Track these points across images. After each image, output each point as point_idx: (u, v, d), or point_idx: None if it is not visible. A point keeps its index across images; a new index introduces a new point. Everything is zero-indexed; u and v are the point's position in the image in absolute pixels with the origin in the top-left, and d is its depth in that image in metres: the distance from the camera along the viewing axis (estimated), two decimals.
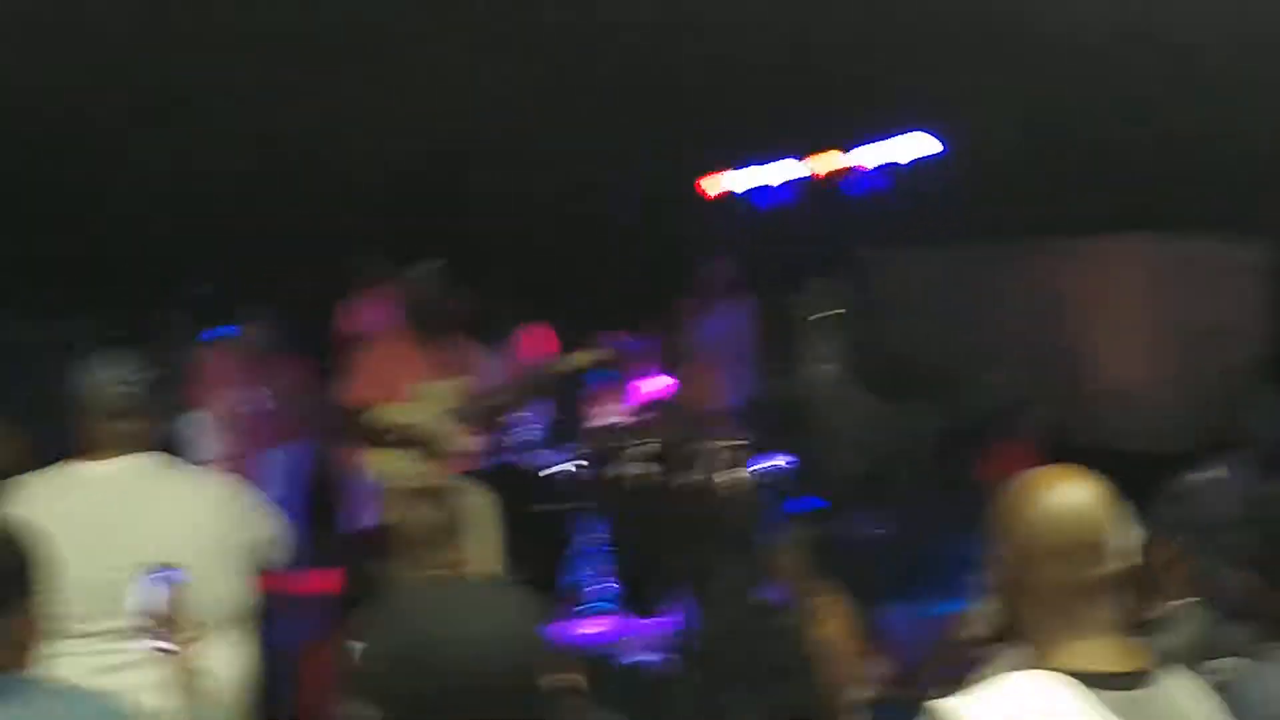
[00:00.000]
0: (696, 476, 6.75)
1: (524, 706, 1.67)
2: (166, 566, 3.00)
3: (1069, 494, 2.26)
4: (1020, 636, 2.32)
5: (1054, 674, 2.18)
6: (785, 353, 8.66)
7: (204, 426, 7.61)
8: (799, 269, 8.96)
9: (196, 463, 7.47)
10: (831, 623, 4.32)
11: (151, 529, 3.33)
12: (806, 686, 2.85)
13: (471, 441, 6.13)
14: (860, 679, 4.49)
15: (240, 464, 7.51)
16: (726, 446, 6.87)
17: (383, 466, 5.71)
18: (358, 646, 1.67)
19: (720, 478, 6.76)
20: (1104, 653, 2.21)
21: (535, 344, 9.71)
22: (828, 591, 4.51)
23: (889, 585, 6.69)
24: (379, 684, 1.60)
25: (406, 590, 1.77)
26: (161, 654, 2.94)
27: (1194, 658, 2.43)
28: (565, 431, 8.72)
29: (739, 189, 9.88)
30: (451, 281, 6.12)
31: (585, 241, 9.28)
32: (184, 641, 2.96)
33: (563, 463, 8.24)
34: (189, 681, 2.96)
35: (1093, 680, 2.17)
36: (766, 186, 9.78)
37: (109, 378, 3.48)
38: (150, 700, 2.91)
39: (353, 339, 6.93)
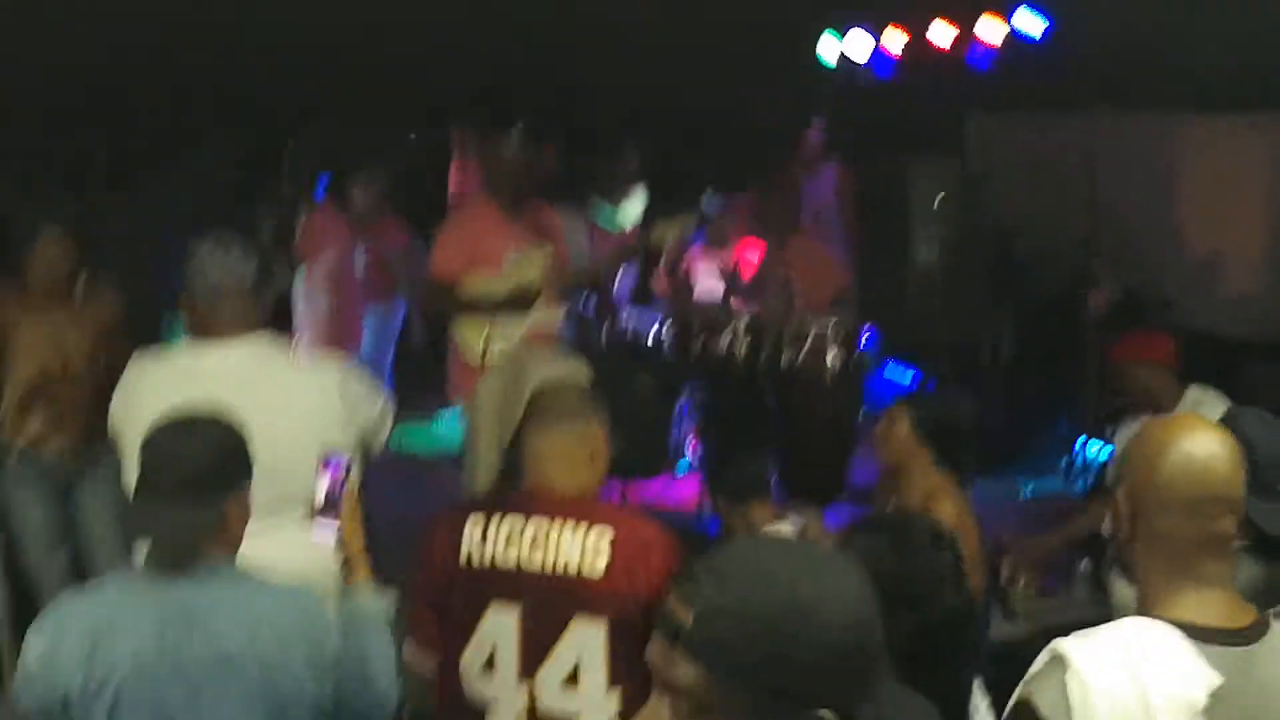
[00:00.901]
0: (792, 356, 6.63)
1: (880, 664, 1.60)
2: (335, 453, 3.11)
3: (1202, 446, 2.21)
4: (1132, 576, 2.29)
5: (1165, 624, 2.15)
6: (890, 225, 8.49)
7: (306, 282, 7.70)
8: (911, 139, 8.75)
9: (298, 318, 7.71)
10: (946, 503, 4.24)
11: (264, 416, 3.32)
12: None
13: (562, 310, 6.10)
14: (975, 563, 4.42)
15: (336, 321, 7.66)
16: (828, 325, 6.71)
17: (473, 336, 5.71)
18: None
19: (817, 358, 6.63)
20: (1216, 607, 2.18)
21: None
22: (938, 470, 4.36)
23: (980, 462, 6.65)
24: (729, 647, 1.51)
25: (741, 547, 1.65)
26: (328, 535, 3.06)
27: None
28: (654, 294, 8.72)
29: (857, 56, 9.62)
30: (538, 144, 6.00)
31: (697, 106, 9.11)
32: (346, 522, 3.08)
33: (653, 326, 8.26)
34: (350, 559, 3.08)
35: (1203, 634, 2.15)
36: (883, 54, 9.50)
37: (218, 263, 3.55)
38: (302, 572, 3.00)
39: (450, 204, 6.90)
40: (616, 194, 8.89)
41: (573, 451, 3.17)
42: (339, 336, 7.56)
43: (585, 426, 3.21)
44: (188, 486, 2.62)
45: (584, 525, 3.06)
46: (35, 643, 2.59)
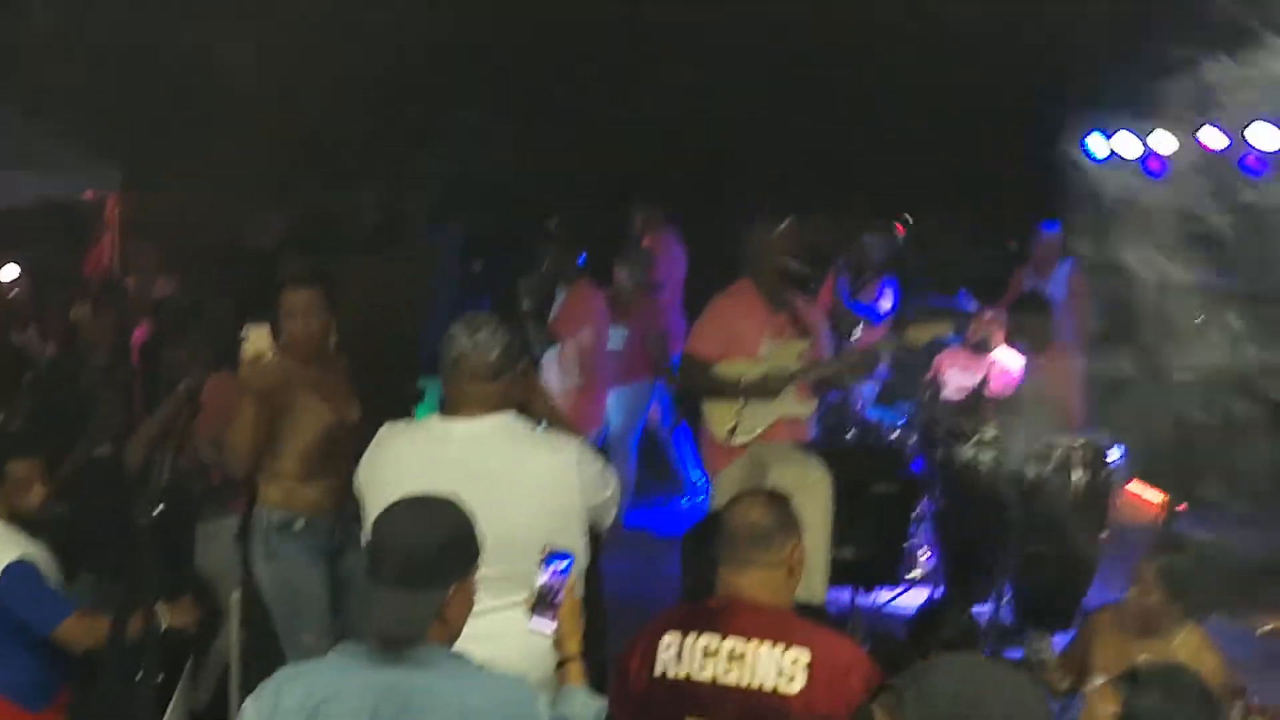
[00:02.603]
0: (1037, 472, 6.45)
1: None
2: (560, 553, 3.17)
3: None
4: None
5: None
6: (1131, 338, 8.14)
7: (560, 357, 7.90)
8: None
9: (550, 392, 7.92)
10: (1209, 657, 4.12)
11: (505, 491, 3.49)
12: None
13: (810, 406, 6.11)
14: None
15: (584, 397, 7.83)
16: (1076, 444, 6.50)
17: (722, 417, 5.76)
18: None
19: (1062, 476, 6.43)
20: None
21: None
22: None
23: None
24: None
25: (946, 666, 1.79)
26: (542, 632, 3.11)
27: None
28: (902, 393, 8.61)
29: (1127, 154, 9.30)
30: (802, 242, 6.05)
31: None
32: (564, 621, 3.12)
33: (898, 428, 8.16)
34: (565, 660, 3.12)
35: None
36: (1154, 153, 9.17)
37: (472, 343, 3.64)
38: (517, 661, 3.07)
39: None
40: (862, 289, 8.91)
41: (768, 576, 3.19)
42: (585, 413, 7.73)
43: (781, 550, 3.22)
44: (413, 574, 2.69)
45: (780, 645, 3.06)
46: (252, 712, 2.71)
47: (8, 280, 7.31)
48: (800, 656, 3.06)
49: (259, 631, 4.96)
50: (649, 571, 7.27)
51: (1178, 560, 4.21)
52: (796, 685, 3.04)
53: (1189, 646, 4.17)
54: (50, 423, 5.70)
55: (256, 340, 4.41)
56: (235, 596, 5.11)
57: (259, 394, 4.53)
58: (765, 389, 5.70)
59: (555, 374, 7.86)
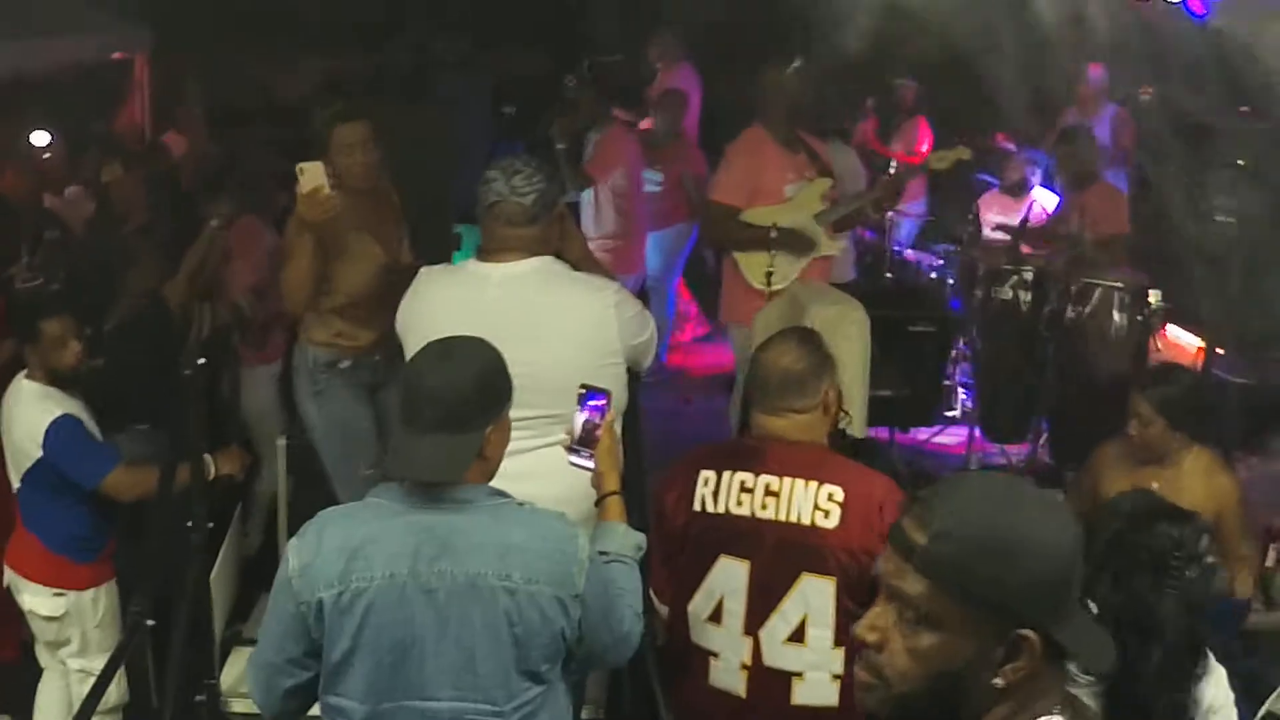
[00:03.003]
0: (1077, 313, 6.41)
1: None
2: (596, 391, 3.17)
3: None
4: None
5: None
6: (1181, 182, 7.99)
7: (594, 201, 7.86)
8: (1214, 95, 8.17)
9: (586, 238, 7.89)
10: (1223, 478, 4.22)
11: (544, 332, 3.52)
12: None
13: (841, 243, 6.07)
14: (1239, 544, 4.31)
15: (625, 242, 7.81)
16: (1112, 285, 6.44)
17: (754, 268, 5.75)
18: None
19: (1102, 317, 6.38)
20: None
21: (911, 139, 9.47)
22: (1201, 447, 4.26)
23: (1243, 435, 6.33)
24: (956, 567, 1.70)
25: (971, 479, 1.84)
26: (583, 467, 3.13)
27: None
28: (943, 234, 8.55)
29: None
30: (816, 78, 5.99)
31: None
32: (602, 458, 3.14)
33: (936, 268, 8.12)
34: (604, 497, 3.14)
35: None
36: None
37: (509, 187, 3.61)
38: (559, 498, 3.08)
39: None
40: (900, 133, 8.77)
41: (803, 419, 3.21)
42: (624, 256, 7.72)
43: (815, 394, 3.22)
44: (449, 420, 2.70)
45: (815, 483, 3.10)
46: (294, 554, 2.74)
47: (41, 145, 7.26)
48: (835, 493, 3.09)
49: (303, 475, 5.04)
50: (687, 409, 7.37)
51: (1170, 390, 4.23)
52: (832, 521, 3.08)
53: (1199, 469, 4.25)
54: (87, 281, 5.72)
55: (312, 175, 4.26)
56: (280, 442, 5.20)
57: (316, 228, 4.40)
58: (798, 241, 5.70)
59: (592, 217, 7.84)
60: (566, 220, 3.97)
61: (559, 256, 3.76)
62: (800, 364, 3.23)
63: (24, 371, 4.58)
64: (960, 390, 7.43)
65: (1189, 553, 2.81)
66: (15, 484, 4.60)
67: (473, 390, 2.73)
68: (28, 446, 4.48)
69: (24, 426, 4.48)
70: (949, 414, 7.36)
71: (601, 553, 2.92)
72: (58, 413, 4.45)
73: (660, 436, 6.33)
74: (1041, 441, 6.71)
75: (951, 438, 7.18)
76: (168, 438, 4.73)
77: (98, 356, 4.91)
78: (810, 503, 3.09)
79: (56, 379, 4.54)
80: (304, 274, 4.51)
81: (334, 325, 4.75)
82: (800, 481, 3.11)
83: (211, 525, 4.15)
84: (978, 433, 6.84)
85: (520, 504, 2.81)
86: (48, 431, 4.42)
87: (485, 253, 3.68)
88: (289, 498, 5.11)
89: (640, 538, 3.05)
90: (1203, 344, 7.09)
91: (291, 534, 2.90)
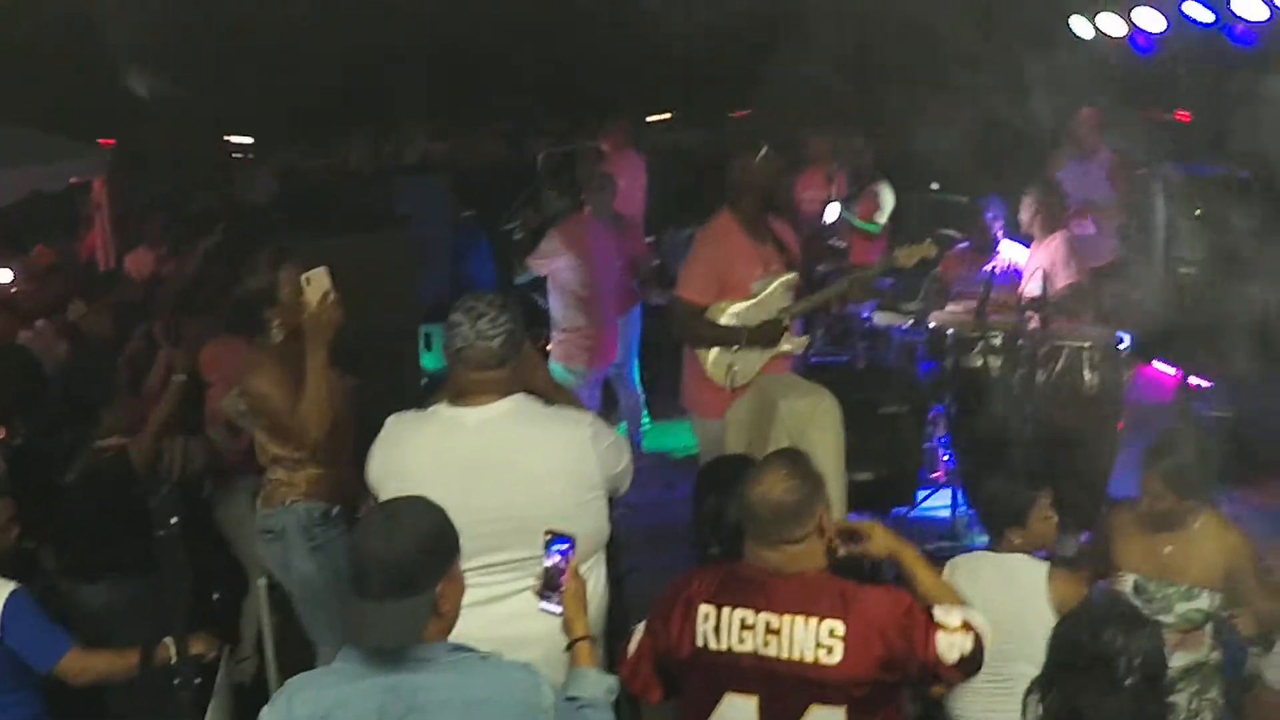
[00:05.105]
0: (1047, 375, 6.44)
1: None
2: (561, 537, 3.23)
3: None
4: None
5: None
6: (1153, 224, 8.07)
7: (551, 290, 7.84)
8: (1176, 124, 8.26)
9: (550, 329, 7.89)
10: (1232, 536, 4.26)
11: (524, 474, 3.53)
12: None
13: (804, 342, 6.09)
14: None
15: (597, 330, 7.79)
16: (1079, 345, 6.46)
17: (717, 367, 5.77)
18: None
19: (1076, 379, 6.39)
20: None
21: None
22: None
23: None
24: None
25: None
26: (549, 613, 3.20)
27: None
28: (907, 294, 8.54)
29: (1113, 32, 9.16)
30: (781, 164, 6.04)
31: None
32: (569, 603, 3.21)
33: (905, 333, 8.13)
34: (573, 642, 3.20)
35: None
36: (1142, 31, 9.03)
37: (475, 332, 3.60)
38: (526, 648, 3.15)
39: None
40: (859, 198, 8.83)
41: (798, 549, 3.24)
42: (598, 345, 7.78)
43: (808, 523, 3.25)
44: (396, 584, 2.74)
45: (815, 619, 3.14)
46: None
47: (4, 282, 7.22)
48: (835, 628, 3.13)
49: (289, 612, 4.94)
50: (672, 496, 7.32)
51: (1180, 461, 4.25)
52: (835, 656, 3.12)
53: (1209, 530, 4.29)
54: (59, 424, 5.61)
55: (318, 282, 4.20)
56: (261, 582, 5.12)
57: (329, 338, 4.36)
58: (766, 336, 5.74)
59: (555, 307, 7.80)
60: (532, 353, 3.98)
61: (529, 388, 3.77)
62: (792, 495, 3.25)
63: None
64: (941, 451, 7.44)
65: (1130, 662, 2.84)
66: None
67: (417, 552, 2.78)
68: None
69: None
70: (933, 476, 7.37)
71: (572, 698, 2.97)
72: (9, 588, 4.16)
73: (648, 532, 6.37)
74: None
75: (937, 501, 7.17)
76: (141, 588, 4.69)
77: (58, 508, 4.85)
78: (812, 640, 3.14)
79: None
80: (327, 397, 4.46)
81: (308, 471, 4.67)
82: (800, 619, 3.15)
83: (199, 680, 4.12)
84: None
85: (483, 656, 2.85)
86: (3, 607, 4.11)
87: (456, 396, 3.67)
88: (275, 636, 5.05)
89: (612, 680, 3.11)
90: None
91: (282, 669, 2.95)
